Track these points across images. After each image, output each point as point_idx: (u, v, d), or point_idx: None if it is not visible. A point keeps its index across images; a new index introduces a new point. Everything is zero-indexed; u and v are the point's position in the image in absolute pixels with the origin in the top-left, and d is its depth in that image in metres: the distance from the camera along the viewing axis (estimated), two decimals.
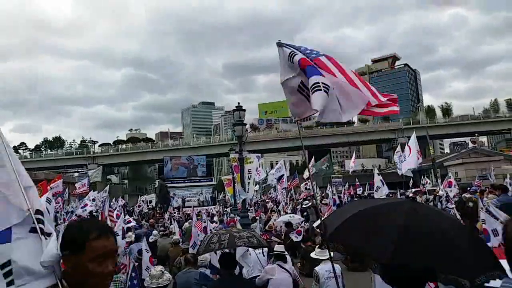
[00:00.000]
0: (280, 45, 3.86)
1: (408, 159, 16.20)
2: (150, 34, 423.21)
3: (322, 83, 3.42)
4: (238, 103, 14.78)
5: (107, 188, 17.66)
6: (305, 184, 25.77)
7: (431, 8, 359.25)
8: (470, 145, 46.31)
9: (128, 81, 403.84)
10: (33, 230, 2.03)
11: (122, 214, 12.92)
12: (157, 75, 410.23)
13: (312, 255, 6.59)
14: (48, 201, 8.74)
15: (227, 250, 6.03)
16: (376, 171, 18.20)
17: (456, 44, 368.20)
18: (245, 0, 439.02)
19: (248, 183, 15.25)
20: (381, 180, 15.55)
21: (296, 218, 13.72)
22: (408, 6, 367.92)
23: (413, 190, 20.84)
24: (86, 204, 21.45)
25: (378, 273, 1.90)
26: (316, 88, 3.38)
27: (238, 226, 10.11)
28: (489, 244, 4.91)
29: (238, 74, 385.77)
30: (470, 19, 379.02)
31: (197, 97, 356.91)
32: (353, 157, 28.94)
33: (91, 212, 21.95)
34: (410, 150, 16.25)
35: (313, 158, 30.29)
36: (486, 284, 3.37)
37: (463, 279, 1.61)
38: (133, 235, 11.77)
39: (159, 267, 5.36)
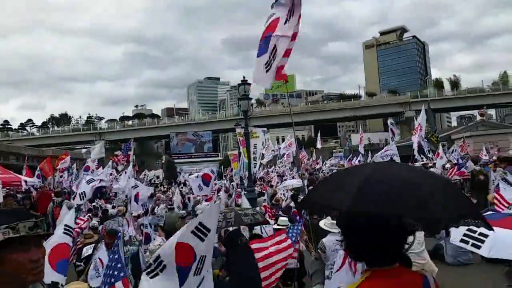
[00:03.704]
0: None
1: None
2: (149, 10, 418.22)
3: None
4: (244, 77, 14.57)
5: (110, 163, 17.90)
6: (307, 159, 26.08)
7: None
8: (478, 118, 45.76)
9: (129, 58, 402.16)
10: None
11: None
12: (158, 51, 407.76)
13: (321, 224, 6.57)
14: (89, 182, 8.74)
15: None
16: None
17: (459, 17, 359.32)
18: None
19: (254, 157, 15.23)
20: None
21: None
22: None
23: (421, 163, 20.77)
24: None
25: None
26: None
27: (243, 200, 10.14)
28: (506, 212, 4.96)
29: (239, 49, 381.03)
30: None
31: (199, 73, 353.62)
32: (361, 132, 28.80)
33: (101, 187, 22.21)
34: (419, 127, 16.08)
35: (319, 133, 30.27)
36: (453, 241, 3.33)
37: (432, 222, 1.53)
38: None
39: (157, 241, 5.36)
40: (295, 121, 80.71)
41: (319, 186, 1.95)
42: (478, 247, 3.12)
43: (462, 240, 3.23)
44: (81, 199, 8.47)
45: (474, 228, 2.94)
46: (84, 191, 8.49)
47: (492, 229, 1.61)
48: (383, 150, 17.20)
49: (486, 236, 3.02)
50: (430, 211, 1.49)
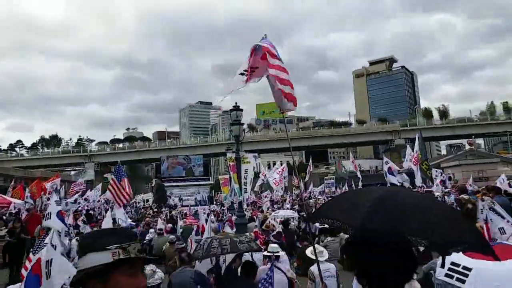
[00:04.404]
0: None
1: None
2: (139, 35, 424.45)
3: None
4: (236, 103, 14.75)
5: (98, 186, 17.67)
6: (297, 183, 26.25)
7: (418, 14, 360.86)
8: (467, 147, 46.44)
9: (119, 81, 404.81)
10: None
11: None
12: (148, 75, 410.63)
13: (308, 253, 6.55)
14: (58, 203, 8.69)
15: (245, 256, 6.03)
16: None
17: (445, 49, 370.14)
18: (234, 3, 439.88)
19: (245, 182, 15.20)
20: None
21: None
22: (396, 12, 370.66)
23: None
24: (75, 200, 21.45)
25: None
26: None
27: (227, 229, 10.06)
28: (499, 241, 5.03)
29: (228, 75, 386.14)
30: (458, 25, 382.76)
31: (189, 97, 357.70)
32: (352, 158, 29.02)
33: (87, 210, 21.96)
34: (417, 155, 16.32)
35: (310, 159, 30.43)
36: (439, 278, 3.36)
37: (433, 245, 1.59)
38: None
39: (150, 266, 5.31)
40: (286, 147, 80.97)
41: (332, 201, 2.06)
42: (463, 282, 3.13)
43: (447, 275, 3.25)
44: (45, 220, 8.37)
45: (458, 262, 2.99)
46: (50, 212, 8.35)
47: (499, 259, 1.64)
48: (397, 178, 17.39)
49: (470, 269, 3.04)
50: (440, 235, 1.54)
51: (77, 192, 23.29)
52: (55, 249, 4.19)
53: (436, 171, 19.12)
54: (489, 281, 3.03)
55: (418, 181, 15.59)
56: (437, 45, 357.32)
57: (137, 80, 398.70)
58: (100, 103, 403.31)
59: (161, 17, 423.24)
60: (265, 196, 26.68)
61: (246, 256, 7.47)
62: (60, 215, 8.33)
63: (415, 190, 15.30)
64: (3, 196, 15.45)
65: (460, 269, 3.06)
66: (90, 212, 21.62)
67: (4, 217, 15.96)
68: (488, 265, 2.90)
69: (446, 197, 14.73)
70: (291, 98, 4.34)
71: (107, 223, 9.78)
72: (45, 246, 3.92)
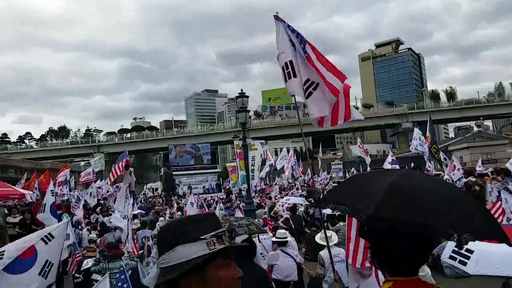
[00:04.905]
0: (277, 18, 4.23)
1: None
2: (141, 25, 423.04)
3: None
4: (241, 89, 14.73)
5: (110, 176, 17.88)
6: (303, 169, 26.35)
7: None
8: (475, 129, 46.01)
9: (124, 71, 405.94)
10: None
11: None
12: (152, 65, 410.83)
13: (317, 239, 6.60)
14: (52, 193, 8.88)
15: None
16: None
17: (450, 30, 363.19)
18: None
19: (252, 169, 15.28)
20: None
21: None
22: None
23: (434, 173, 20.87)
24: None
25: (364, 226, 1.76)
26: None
27: (238, 214, 10.16)
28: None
29: (233, 63, 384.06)
30: (462, 5, 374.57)
31: (195, 86, 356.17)
32: (360, 143, 28.97)
33: (98, 200, 22.22)
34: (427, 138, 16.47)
35: (320, 145, 30.58)
36: (444, 259, 3.34)
37: (447, 232, 1.46)
38: (139, 222, 11.93)
39: None
40: (293, 133, 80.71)
41: (342, 186, 1.98)
42: (464, 264, 3.15)
43: (451, 257, 3.27)
44: (39, 212, 8.59)
45: None
46: (45, 204, 8.54)
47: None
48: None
49: (472, 252, 3.05)
50: (455, 223, 1.48)
51: (88, 184, 23.53)
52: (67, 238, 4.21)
53: (446, 159, 19.14)
54: (489, 263, 3.05)
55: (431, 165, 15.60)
56: (442, 26, 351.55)
57: (142, 70, 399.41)
58: (106, 94, 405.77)
59: (161, 6, 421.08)
60: (275, 184, 26.78)
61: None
62: (54, 207, 8.49)
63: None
64: (15, 187, 15.63)
65: (463, 251, 3.08)
66: (101, 201, 21.89)
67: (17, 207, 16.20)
68: (490, 247, 2.91)
69: (457, 181, 14.63)
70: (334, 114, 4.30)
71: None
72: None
